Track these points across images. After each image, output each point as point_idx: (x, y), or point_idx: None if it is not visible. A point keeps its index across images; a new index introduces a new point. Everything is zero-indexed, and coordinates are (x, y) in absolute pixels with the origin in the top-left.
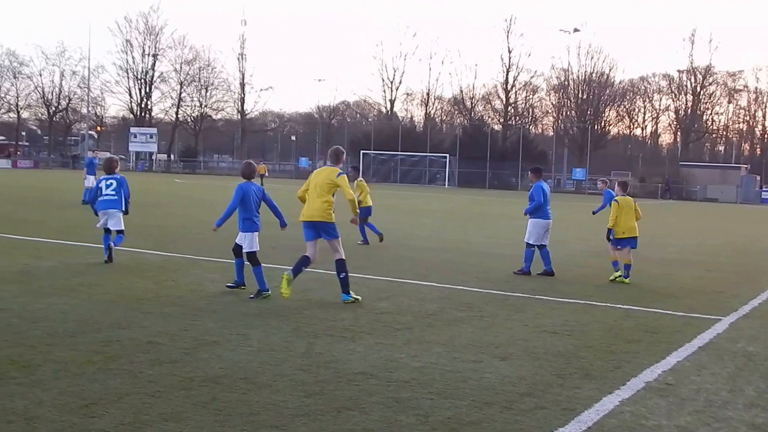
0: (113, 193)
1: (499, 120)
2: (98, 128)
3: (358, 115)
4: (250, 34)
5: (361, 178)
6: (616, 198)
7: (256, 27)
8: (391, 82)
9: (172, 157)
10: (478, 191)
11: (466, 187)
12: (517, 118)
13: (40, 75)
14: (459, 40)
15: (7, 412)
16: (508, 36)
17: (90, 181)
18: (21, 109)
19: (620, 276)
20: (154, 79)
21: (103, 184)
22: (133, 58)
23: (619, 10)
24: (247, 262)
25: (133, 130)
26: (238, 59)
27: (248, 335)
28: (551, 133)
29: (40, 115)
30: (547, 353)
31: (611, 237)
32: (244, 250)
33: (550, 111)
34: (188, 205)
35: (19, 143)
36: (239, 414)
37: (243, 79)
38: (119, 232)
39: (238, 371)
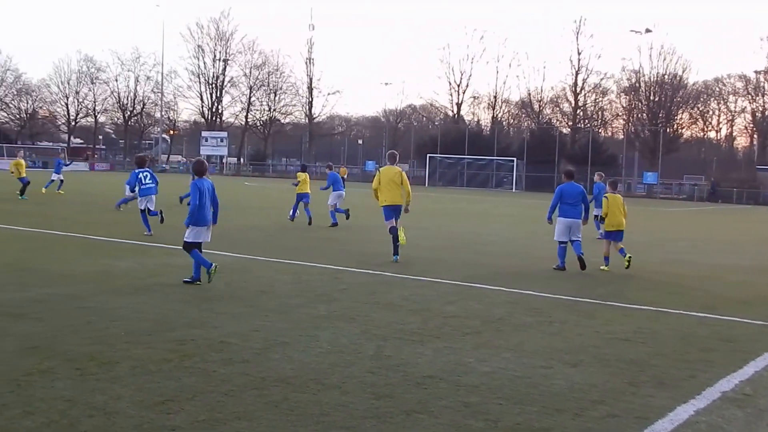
0: (151, 182)
1: (567, 123)
2: (171, 132)
3: (424, 119)
4: (317, 39)
5: (305, 173)
6: (606, 194)
7: (324, 31)
8: (458, 86)
9: (242, 160)
10: (547, 195)
11: (533, 191)
12: (586, 121)
13: (116, 80)
14: (527, 42)
15: (88, 407)
16: (577, 37)
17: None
18: (98, 113)
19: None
20: (225, 83)
21: (141, 176)
22: (204, 63)
23: (693, 10)
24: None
25: (204, 133)
26: (306, 63)
27: (317, 337)
28: (621, 136)
29: (116, 119)
30: (619, 360)
31: (601, 226)
32: (185, 239)
33: (620, 114)
34: (260, 207)
35: (97, 146)
36: (310, 414)
37: (311, 83)
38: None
39: (309, 372)
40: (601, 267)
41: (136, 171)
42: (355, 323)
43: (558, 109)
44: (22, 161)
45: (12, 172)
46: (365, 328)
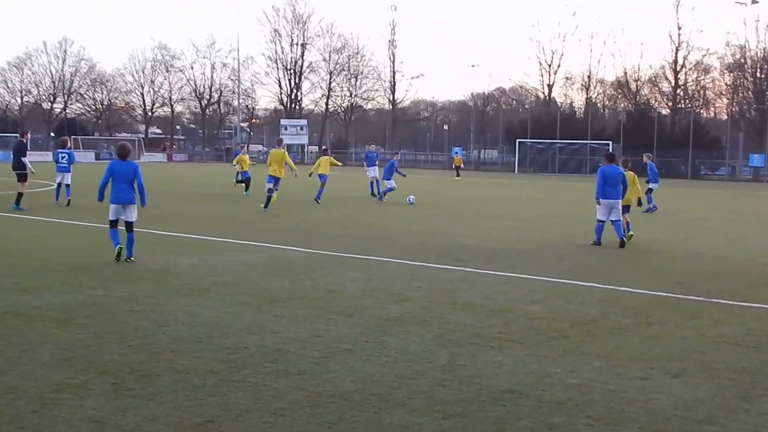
0: (66, 162)
1: (666, 103)
2: (252, 121)
3: (514, 102)
4: (400, 20)
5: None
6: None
7: (407, 11)
8: (549, 66)
9: (323, 148)
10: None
11: None
12: (687, 101)
13: (192, 68)
14: (623, 18)
15: (117, 430)
16: (677, 11)
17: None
18: (174, 102)
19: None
20: (303, 69)
21: (59, 156)
22: (281, 48)
23: None
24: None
25: (283, 122)
26: (388, 46)
27: (385, 343)
28: (725, 117)
29: (193, 108)
30: (729, 369)
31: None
32: (126, 220)
33: (723, 92)
34: (337, 199)
35: (175, 137)
36: None
37: (393, 67)
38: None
39: (371, 386)
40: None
41: (58, 151)
42: (429, 326)
43: (657, 88)
44: (246, 157)
45: (235, 165)
46: (439, 333)
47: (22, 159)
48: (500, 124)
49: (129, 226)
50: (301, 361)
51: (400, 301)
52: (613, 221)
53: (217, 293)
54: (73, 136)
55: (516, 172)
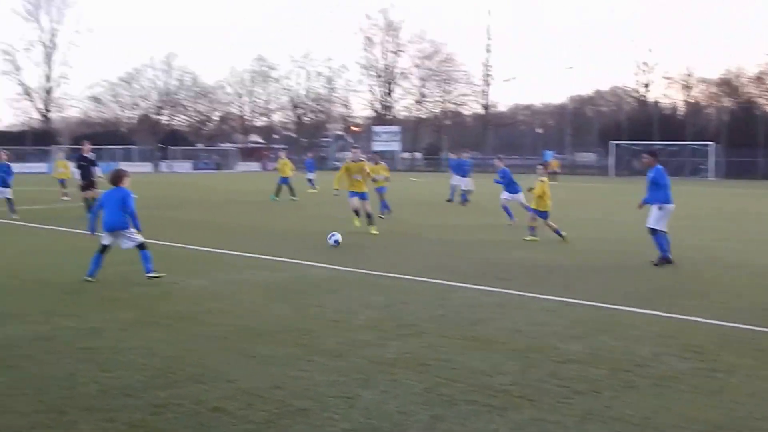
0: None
1: None
2: (351, 128)
3: (611, 104)
4: (493, 23)
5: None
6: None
7: (499, 16)
8: (646, 65)
9: (416, 155)
10: (749, 183)
11: (733, 178)
12: None
13: (288, 78)
14: (724, 10)
15: None
16: None
17: (456, 180)
18: (272, 112)
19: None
20: (396, 75)
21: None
22: (373, 55)
23: None
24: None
25: (376, 128)
26: (483, 51)
27: (357, 399)
28: None
29: (289, 117)
30: None
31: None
32: (132, 246)
33: None
34: (412, 207)
35: (273, 146)
36: None
37: (486, 71)
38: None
39: None
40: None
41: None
42: (425, 374)
43: (764, 86)
44: (288, 161)
45: (278, 169)
46: (434, 383)
47: (92, 168)
48: (596, 126)
49: (139, 245)
50: (231, 429)
51: (408, 335)
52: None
53: (200, 324)
54: (174, 147)
55: (612, 175)
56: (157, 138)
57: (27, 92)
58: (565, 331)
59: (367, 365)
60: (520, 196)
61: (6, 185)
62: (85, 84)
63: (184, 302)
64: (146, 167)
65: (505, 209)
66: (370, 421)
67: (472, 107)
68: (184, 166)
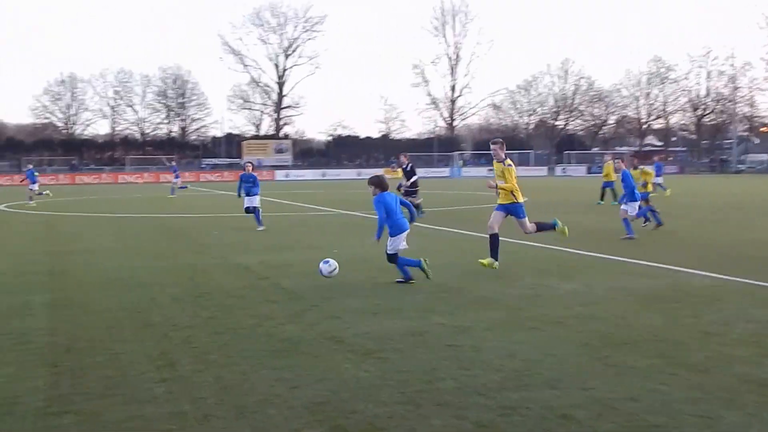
0: None
1: None
2: (761, 130)
3: None
4: None
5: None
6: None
7: None
8: None
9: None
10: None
11: None
12: None
13: (686, 78)
14: None
15: None
16: None
17: None
18: (670, 114)
19: None
20: None
21: None
22: None
23: None
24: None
25: None
26: None
27: (720, 418)
28: None
29: (689, 118)
30: None
31: None
32: (387, 252)
33: None
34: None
35: (672, 149)
36: None
37: None
38: None
39: None
40: None
41: None
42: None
43: None
44: (612, 164)
45: (605, 175)
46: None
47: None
48: None
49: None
50: None
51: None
52: None
53: (564, 328)
54: (568, 151)
55: None
56: (554, 142)
57: (434, 102)
58: None
59: (735, 383)
60: None
61: (251, 194)
62: (486, 92)
63: (553, 306)
64: (542, 171)
65: None
66: None
67: None
68: (578, 170)
